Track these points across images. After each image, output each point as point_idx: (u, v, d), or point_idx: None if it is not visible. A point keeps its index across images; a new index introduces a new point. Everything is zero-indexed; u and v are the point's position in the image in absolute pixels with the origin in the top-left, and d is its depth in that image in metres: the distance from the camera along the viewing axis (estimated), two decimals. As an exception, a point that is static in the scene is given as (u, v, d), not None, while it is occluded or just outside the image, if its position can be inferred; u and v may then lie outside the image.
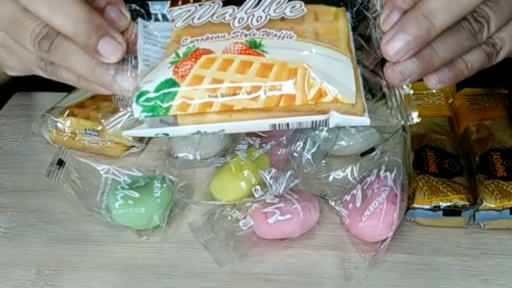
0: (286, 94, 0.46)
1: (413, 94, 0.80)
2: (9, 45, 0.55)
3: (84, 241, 0.64)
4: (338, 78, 0.46)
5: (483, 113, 0.74)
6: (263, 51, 0.46)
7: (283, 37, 0.47)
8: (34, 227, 0.66)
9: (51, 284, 0.59)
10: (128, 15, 0.51)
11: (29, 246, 0.63)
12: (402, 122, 0.49)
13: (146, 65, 0.50)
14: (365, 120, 0.47)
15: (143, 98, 0.47)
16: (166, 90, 0.46)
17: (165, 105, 0.46)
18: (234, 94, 0.46)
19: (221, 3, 0.50)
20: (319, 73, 0.46)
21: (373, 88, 0.49)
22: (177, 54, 0.48)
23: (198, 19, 0.50)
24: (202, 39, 0.47)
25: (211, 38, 0.47)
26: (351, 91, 0.46)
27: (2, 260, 0.62)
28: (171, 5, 0.52)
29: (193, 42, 0.48)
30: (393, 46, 0.47)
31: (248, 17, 0.48)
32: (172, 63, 0.48)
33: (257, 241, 0.62)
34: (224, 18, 0.48)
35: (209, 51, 0.47)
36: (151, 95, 0.46)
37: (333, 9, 0.51)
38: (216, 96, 0.46)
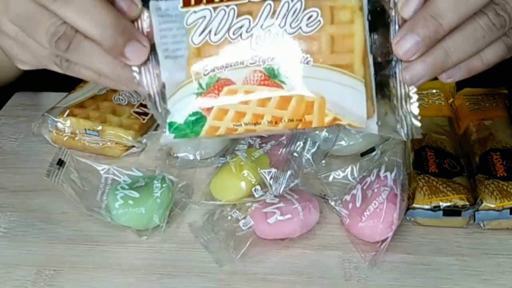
0: (304, 122, 0.49)
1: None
2: (22, 40, 0.54)
3: (84, 241, 0.64)
4: (351, 108, 0.49)
5: (483, 113, 0.74)
6: (281, 81, 0.48)
7: (300, 62, 0.48)
8: (34, 227, 0.66)
9: (51, 284, 0.59)
10: (139, 3, 0.50)
11: (29, 246, 0.63)
12: (405, 138, 0.51)
13: (167, 56, 0.50)
14: (374, 130, 0.50)
15: (173, 128, 0.51)
16: (194, 122, 0.50)
17: (194, 132, 0.51)
18: (256, 124, 0.49)
19: (236, 9, 0.49)
20: (334, 105, 0.49)
21: (384, 94, 0.51)
22: (200, 85, 0.50)
23: (215, 34, 0.50)
24: (222, 66, 0.49)
25: (230, 66, 0.49)
26: (363, 118, 0.49)
27: (2, 260, 0.62)
28: (184, 5, 0.51)
29: (213, 70, 0.50)
30: (403, 46, 0.48)
31: (265, 35, 0.48)
32: (197, 94, 0.50)
33: (257, 241, 0.62)
34: (241, 35, 0.49)
35: (230, 82, 0.49)
36: (181, 126, 0.50)
37: (349, 4, 0.49)
38: (240, 125, 0.50)
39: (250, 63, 0.49)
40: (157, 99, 0.51)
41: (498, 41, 0.50)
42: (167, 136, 0.52)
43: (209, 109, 0.50)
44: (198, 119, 0.50)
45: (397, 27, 0.49)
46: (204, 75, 0.50)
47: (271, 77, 0.49)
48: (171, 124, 0.51)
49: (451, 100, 0.79)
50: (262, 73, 0.49)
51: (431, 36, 0.47)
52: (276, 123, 0.49)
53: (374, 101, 0.50)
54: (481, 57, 0.50)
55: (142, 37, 0.50)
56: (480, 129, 0.71)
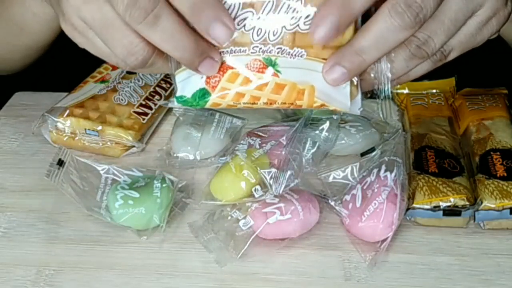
0: (295, 105, 0.54)
1: (413, 94, 0.81)
2: (90, 37, 0.53)
3: (84, 241, 0.64)
4: (337, 96, 0.54)
5: (483, 113, 0.74)
6: (278, 70, 0.53)
7: (295, 55, 0.53)
8: (34, 227, 0.66)
9: (51, 284, 0.59)
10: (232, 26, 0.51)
11: (29, 246, 0.63)
12: (383, 119, 0.57)
13: None
14: (357, 112, 0.55)
15: (181, 100, 0.55)
16: (200, 97, 0.55)
17: (199, 104, 0.55)
18: (253, 104, 0.54)
19: (241, 2, 0.51)
20: (322, 94, 0.53)
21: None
22: None
23: None
24: (227, 51, 0.53)
25: (234, 52, 0.53)
26: (347, 106, 0.54)
27: (2, 260, 0.62)
28: None
29: (220, 54, 0.53)
30: (331, 76, 0.52)
31: (266, 29, 0.52)
32: None
33: (257, 241, 0.62)
34: (244, 26, 0.52)
35: (233, 67, 0.53)
36: (188, 99, 0.54)
37: None
38: (239, 103, 0.54)
39: (252, 52, 0.53)
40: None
41: (423, 62, 0.53)
42: (174, 104, 0.56)
43: (213, 87, 0.54)
44: (204, 95, 0.54)
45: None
46: None
47: (269, 65, 0.53)
48: (178, 98, 0.55)
49: (451, 100, 0.79)
50: (261, 62, 0.53)
51: (356, 69, 0.52)
52: (271, 104, 0.54)
53: (358, 86, 0.54)
54: (407, 74, 0.54)
55: (215, 53, 0.52)
56: (480, 129, 0.71)
